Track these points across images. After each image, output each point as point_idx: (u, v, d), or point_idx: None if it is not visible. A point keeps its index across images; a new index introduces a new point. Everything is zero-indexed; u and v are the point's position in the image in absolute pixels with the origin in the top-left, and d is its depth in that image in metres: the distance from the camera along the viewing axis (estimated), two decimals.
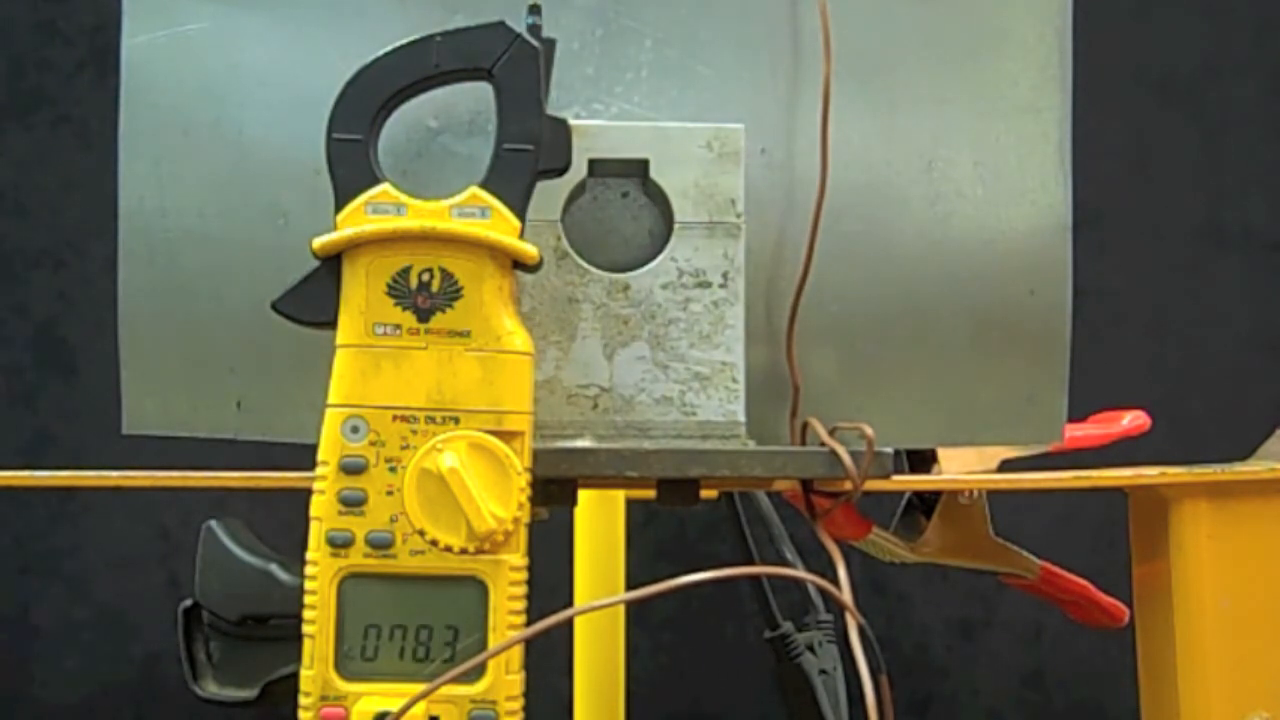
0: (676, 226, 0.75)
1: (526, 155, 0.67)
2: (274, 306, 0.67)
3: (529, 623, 0.66)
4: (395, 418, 0.65)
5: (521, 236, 0.67)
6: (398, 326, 0.66)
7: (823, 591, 0.71)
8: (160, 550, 1.47)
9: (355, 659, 0.65)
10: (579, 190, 0.75)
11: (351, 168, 0.67)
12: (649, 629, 1.50)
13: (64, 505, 1.49)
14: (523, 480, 0.65)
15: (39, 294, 1.48)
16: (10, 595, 1.49)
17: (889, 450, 0.72)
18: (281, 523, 0.73)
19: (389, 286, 0.66)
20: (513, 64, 0.68)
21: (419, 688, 0.64)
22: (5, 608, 1.49)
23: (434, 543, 0.65)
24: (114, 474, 0.96)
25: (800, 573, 0.81)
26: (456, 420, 0.65)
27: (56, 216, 1.47)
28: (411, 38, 0.68)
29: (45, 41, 1.49)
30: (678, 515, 1.48)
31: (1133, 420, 1.09)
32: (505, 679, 0.65)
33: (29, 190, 1.49)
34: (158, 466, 0.92)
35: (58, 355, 1.48)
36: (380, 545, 0.65)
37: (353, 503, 0.65)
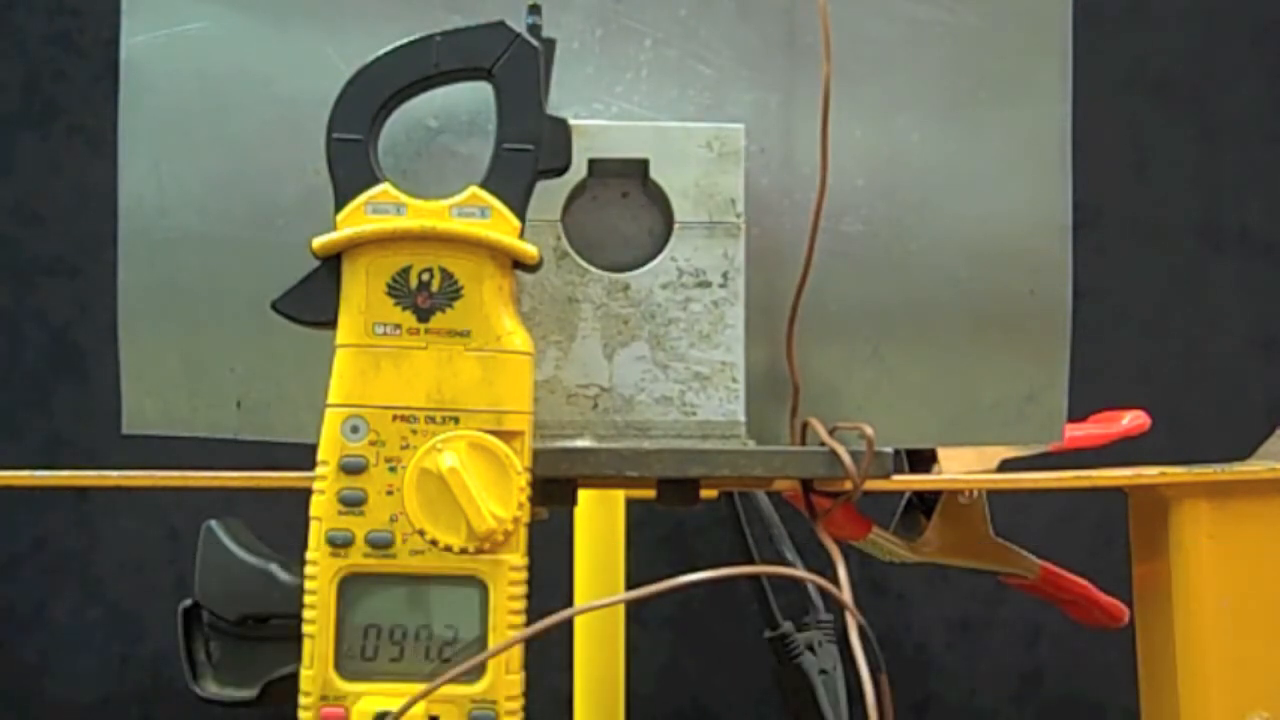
0: (676, 226, 0.75)
1: (526, 155, 0.67)
2: (274, 306, 0.67)
3: (529, 623, 0.66)
4: (395, 417, 0.65)
5: (521, 236, 0.67)
6: (398, 326, 0.66)
7: (823, 591, 0.71)
8: (170, 550, 1.48)
9: (355, 659, 0.65)
10: (579, 190, 0.75)
11: (351, 167, 0.67)
12: (649, 629, 1.50)
13: (79, 507, 1.50)
14: (523, 480, 0.65)
15: (54, 300, 1.50)
16: (27, 595, 1.50)
17: (889, 450, 0.72)
18: (287, 523, 0.73)
19: (389, 286, 0.66)
20: (513, 64, 0.68)
21: (419, 688, 0.64)
22: (22, 608, 1.50)
23: (434, 543, 0.65)
24: (114, 474, 0.96)
25: (800, 573, 0.81)
26: (456, 420, 0.65)
27: (71, 225, 1.49)
28: (411, 38, 0.68)
29: (61, 53, 1.51)
30: (677, 514, 1.48)
31: (1133, 420, 1.09)
32: (505, 679, 0.65)
33: (45, 199, 1.51)
34: (166, 467, 0.93)
35: (72, 360, 1.49)
36: (380, 545, 0.65)
37: (352, 502, 0.65)
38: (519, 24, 0.68)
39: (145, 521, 1.49)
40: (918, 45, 0.79)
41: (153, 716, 1.50)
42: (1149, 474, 0.91)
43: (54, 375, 1.50)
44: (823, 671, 1.03)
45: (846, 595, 0.69)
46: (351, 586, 0.65)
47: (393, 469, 0.65)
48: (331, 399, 0.66)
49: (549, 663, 1.21)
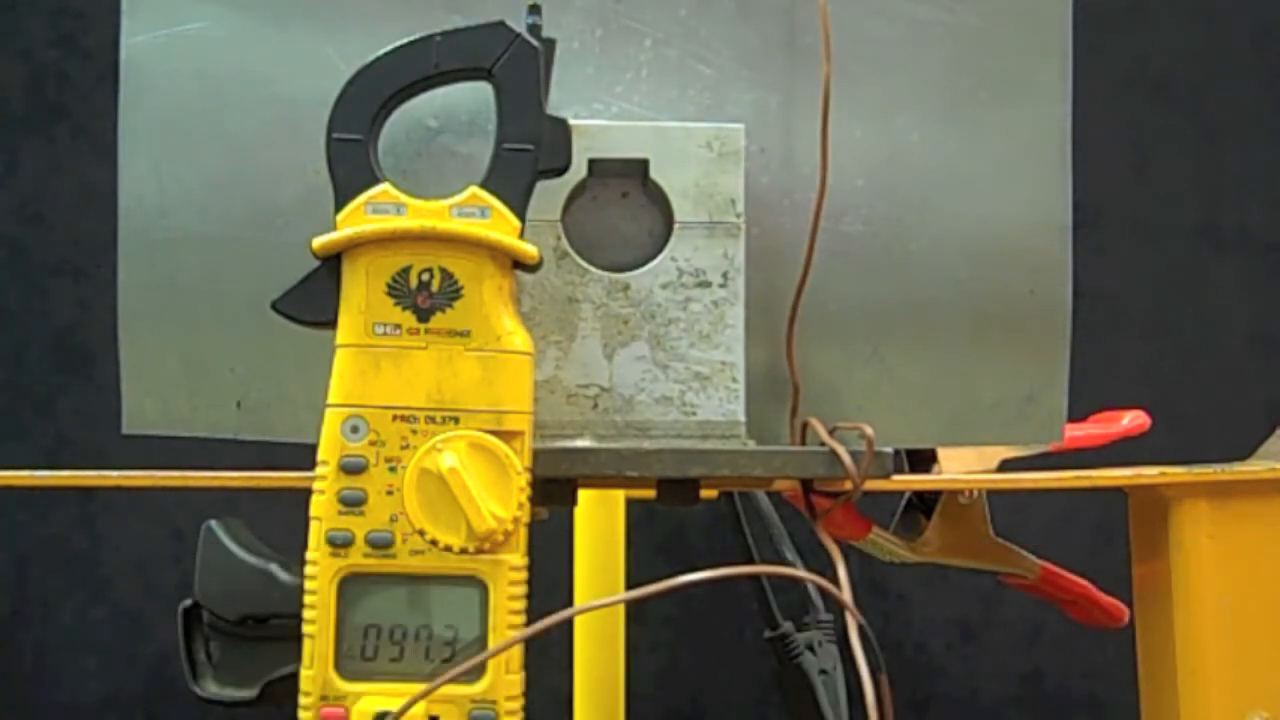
0: (676, 226, 0.75)
1: (526, 155, 0.67)
2: (274, 306, 0.67)
3: (529, 622, 0.66)
4: (395, 417, 0.65)
5: (521, 236, 0.67)
6: (398, 326, 0.66)
7: (823, 591, 0.71)
8: (173, 550, 1.48)
9: (355, 659, 0.65)
10: (579, 190, 0.75)
11: (351, 167, 0.67)
12: (649, 628, 1.50)
13: (83, 507, 1.50)
14: (523, 480, 0.65)
15: (58, 301, 1.50)
16: (32, 595, 1.50)
17: (889, 450, 0.72)
18: (287, 523, 0.73)
19: (389, 286, 0.66)
20: (513, 64, 0.68)
21: (419, 688, 0.64)
22: (27, 607, 1.50)
23: (434, 542, 0.65)
24: (116, 474, 0.96)
25: (800, 573, 0.81)
26: (456, 420, 0.65)
27: (76, 226, 1.49)
28: (411, 38, 0.68)
29: (65, 56, 1.51)
30: (678, 515, 1.48)
31: (1133, 420, 1.09)
32: (505, 679, 0.65)
33: (49, 200, 1.51)
34: (168, 467, 0.93)
35: (76, 361, 1.50)
36: (380, 545, 0.65)
37: (352, 502, 0.65)
38: (519, 24, 0.68)
39: (149, 521, 1.49)
40: (918, 45, 0.79)
41: (157, 716, 1.50)
42: (1149, 474, 0.91)
43: (58, 376, 1.51)
44: (823, 671, 1.03)
45: (846, 595, 0.69)
46: (351, 586, 0.65)
47: (393, 469, 0.65)
48: (331, 399, 0.66)
49: (549, 663, 1.21)
